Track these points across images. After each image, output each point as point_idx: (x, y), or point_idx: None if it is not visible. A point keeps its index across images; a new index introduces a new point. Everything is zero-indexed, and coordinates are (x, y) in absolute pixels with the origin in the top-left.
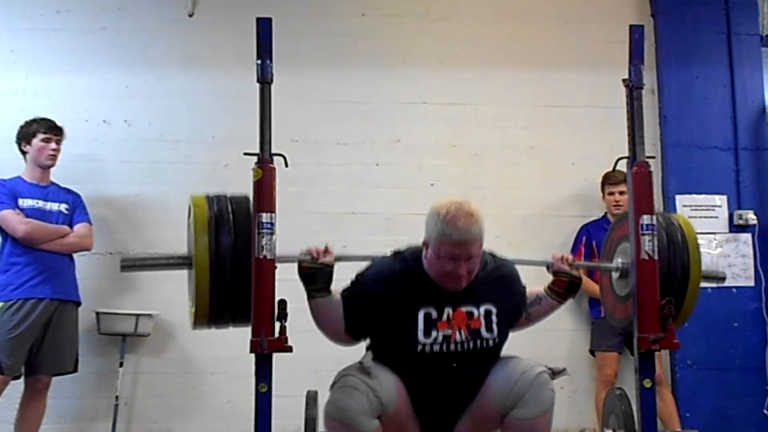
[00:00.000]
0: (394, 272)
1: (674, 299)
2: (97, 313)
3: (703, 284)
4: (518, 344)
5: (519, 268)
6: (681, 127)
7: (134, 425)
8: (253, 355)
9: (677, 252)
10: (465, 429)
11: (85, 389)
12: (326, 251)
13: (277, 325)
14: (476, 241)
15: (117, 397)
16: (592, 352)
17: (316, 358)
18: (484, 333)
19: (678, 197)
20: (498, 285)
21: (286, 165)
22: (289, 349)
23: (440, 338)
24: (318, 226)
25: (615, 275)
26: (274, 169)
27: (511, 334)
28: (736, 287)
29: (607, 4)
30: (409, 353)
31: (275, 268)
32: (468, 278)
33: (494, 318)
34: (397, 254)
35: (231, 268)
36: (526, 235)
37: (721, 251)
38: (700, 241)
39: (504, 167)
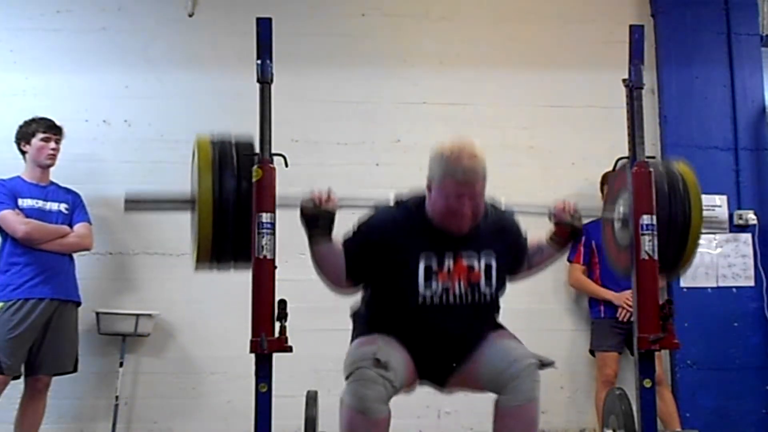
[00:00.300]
0: (395, 219)
1: (675, 245)
2: (97, 313)
3: (702, 283)
4: None
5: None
6: (681, 127)
7: (134, 425)
8: (253, 355)
9: (678, 197)
10: (457, 383)
11: (85, 389)
12: (329, 198)
13: (277, 325)
14: (480, 179)
15: (117, 397)
16: (592, 352)
17: (316, 358)
18: (483, 287)
19: None
20: (500, 235)
21: (286, 165)
22: (289, 349)
23: (440, 290)
24: None
25: (617, 225)
26: (274, 169)
27: (511, 328)
28: (737, 287)
29: (607, 4)
30: (408, 304)
31: (275, 268)
32: (472, 219)
33: (494, 273)
34: (398, 202)
35: (234, 208)
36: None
37: (721, 251)
38: (700, 242)
39: (504, 167)
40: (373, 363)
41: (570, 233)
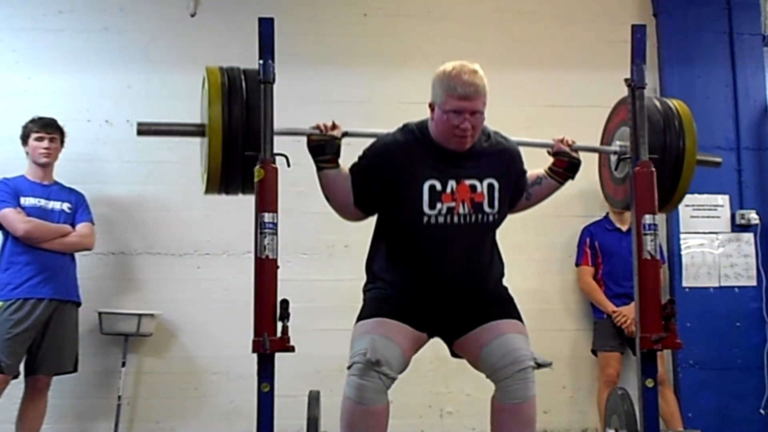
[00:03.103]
0: (398, 142)
1: (670, 173)
2: (100, 313)
3: (703, 282)
4: None
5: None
6: None
7: (136, 425)
8: (255, 355)
9: (673, 132)
10: (461, 351)
11: (87, 389)
12: (334, 126)
13: (279, 324)
14: (480, 94)
15: (119, 397)
16: (594, 352)
17: (319, 358)
18: (486, 207)
19: None
20: (501, 158)
21: (288, 165)
22: (292, 349)
23: (444, 210)
24: (320, 226)
25: (613, 158)
26: (276, 168)
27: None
28: (738, 287)
29: (609, 4)
30: (415, 225)
31: (278, 267)
32: (472, 136)
33: (496, 193)
34: (403, 127)
35: (243, 133)
36: (528, 235)
37: (723, 251)
38: (702, 241)
39: None
40: (367, 363)
41: (568, 164)
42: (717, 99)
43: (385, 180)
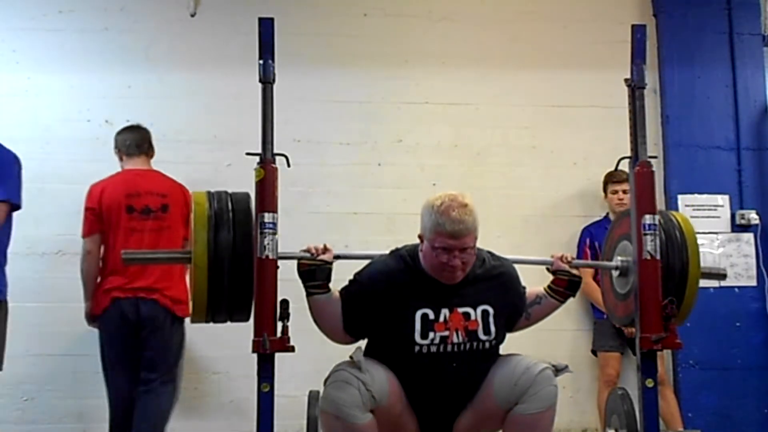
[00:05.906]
0: (390, 270)
1: (674, 297)
2: None
3: (704, 282)
4: (520, 344)
5: (519, 268)
6: (683, 126)
7: None
8: (255, 355)
9: (676, 249)
10: (465, 425)
11: (87, 389)
12: (325, 249)
13: (279, 324)
14: (470, 232)
15: None
16: (594, 352)
17: (318, 358)
18: (481, 335)
19: (680, 197)
20: (496, 284)
21: (288, 165)
22: (291, 349)
23: (437, 339)
24: (320, 227)
25: (615, 273)
26: (276, 169)
27: (511, 334)
28: (739, 287)
29: (609, 4)
30: (406, 354)
31: (277, 267)
32: (463, 270)
33: (491, 319)
34: (394, 253)
35: (229, 265)
36: (528, 234)
37: (723, 251)
38: (702, 241)
39: (506, 167)
40: (348, 363)
41: (569, 283)
42: (717, 99)
43: (376, 308)
